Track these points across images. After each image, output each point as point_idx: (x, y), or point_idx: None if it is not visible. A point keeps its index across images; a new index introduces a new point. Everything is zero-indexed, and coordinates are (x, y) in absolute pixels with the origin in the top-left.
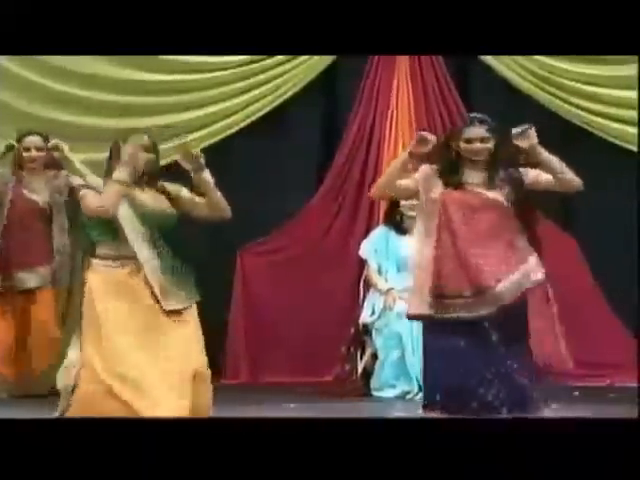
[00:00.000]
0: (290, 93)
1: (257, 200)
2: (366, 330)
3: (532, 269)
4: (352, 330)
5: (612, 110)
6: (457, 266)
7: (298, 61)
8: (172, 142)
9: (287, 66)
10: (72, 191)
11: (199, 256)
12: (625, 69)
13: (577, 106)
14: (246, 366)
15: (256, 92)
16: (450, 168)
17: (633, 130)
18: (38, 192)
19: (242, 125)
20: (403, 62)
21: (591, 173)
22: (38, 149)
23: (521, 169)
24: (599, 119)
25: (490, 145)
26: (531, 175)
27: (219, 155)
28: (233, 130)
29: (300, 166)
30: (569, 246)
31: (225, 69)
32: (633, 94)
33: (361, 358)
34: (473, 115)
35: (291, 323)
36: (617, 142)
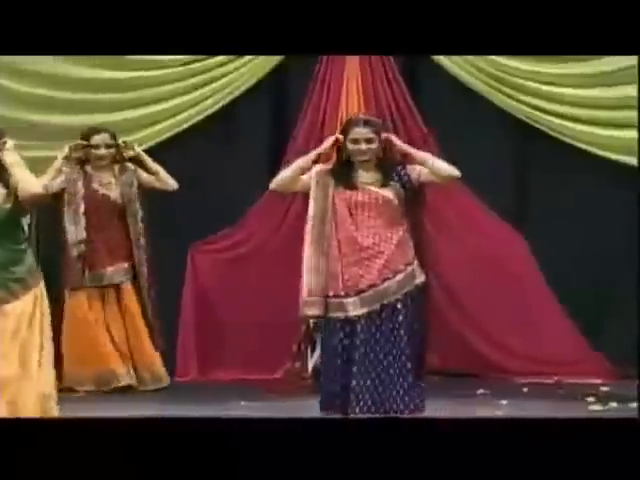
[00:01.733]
0: (238, 92)
1: (207, 198)
2: (317, 328)
3: (417, 270)
4: (303, 328)
5: (567, 109)
6: (346, 266)
7: (246, 59)
8: (122, 139)
9: (235, 64)
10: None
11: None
12: (582, 67)
13: (530, 105)
14: (196, 364)
15: (205, 90)
16: (342, 168)
17: (589, 129)
18: (109, 188)
19: (191, 123)
20: (353, 62)
21: (543, 173)
22: (108, 146)
23: (408, 166)
24: (553, 118)
25: (375, 146)
26: (415, 172)
27: (169, 152)
28: (182, 128)
29: (250, 165)
30: (520, 246)
31: (174, 67)
32: (589, 92)
33: (311, 355)
34: (360, 116)
35: (242, 321)
36: (572, 142)
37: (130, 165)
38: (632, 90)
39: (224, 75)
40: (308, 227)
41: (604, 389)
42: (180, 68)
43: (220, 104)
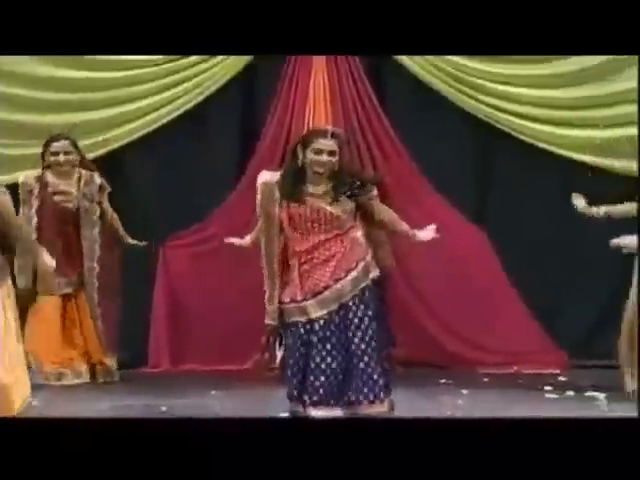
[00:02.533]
0: (209, 92)
1: (178, 195)
2: (275, 331)
3: (371, 265)
4: None
5: (526, 109)
6: (301, 273)
7: (216, 60)
8: (93, 138)
9: (206, 64)
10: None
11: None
12: (540, 68)
13: (489, 105)
14: (168, 355)
15: (176, 90)
16: (291, 179)
17: (548, 129)
18: (67, 196)
19: (163, 122)
20: (320, 62)
21: (504, 171)
22: (66, 153)
23: (360, 185)
24: (512, 118)
25: (336, 159)
26: (366, 195)
27: (141, 151)
28: (154, 127)
29: (220, 162)
30: (479, 237)
31: (146, 67)
32: (547, 93)
33: (279, 347)
34: (327, 127)
35: (212, 313)
36: (532, 141)
37: (97, 178)
38: (587, 90)
39: (195, 75)
40: (261, 238)
41: (561, 379)
42: (152, 68)
43: (191, 104)
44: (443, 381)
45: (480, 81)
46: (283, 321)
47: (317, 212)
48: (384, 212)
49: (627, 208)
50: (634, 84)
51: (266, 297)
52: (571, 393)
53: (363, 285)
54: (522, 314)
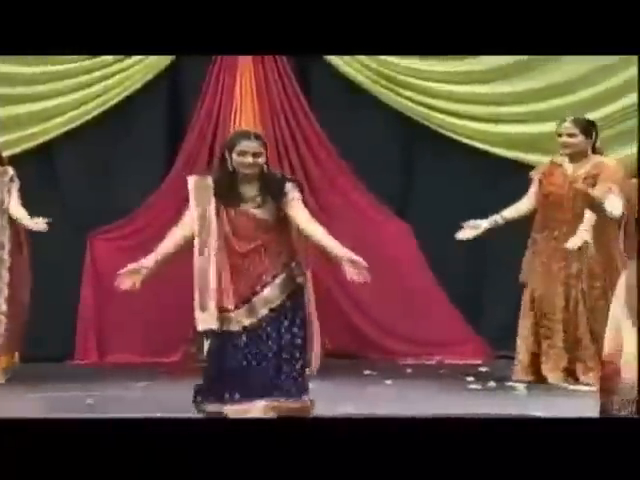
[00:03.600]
0: (135, 88)
1: (104, 189)
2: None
3: (296, 270)
4: None
5: (450, 105)
6: (231, 279)
7: (138, 58)
8: (16, 133)
9: (132, 60)
10: None
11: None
12: (465, 65)
13: (415, 102)
14: (96, 347)
15: (102, 85)
16: (223, 181)
17: (470, 124)
18: None
19: (89, 117)
20: (246, 61)
21: (427, 164)
22: None
23: (287, 186)
24: (439, 115)
25: (262, 160)
26: (289, 195)
27: (67, 145)
28: (80, 122)
29: (146, 158)
30: (403, 230)
31: (71, 62)
32: (473, 89)
33: (207, 339)
34: (249, 130)
35: (140, 306)
36: (455, 136)
37: (10, 170)
38: (510, 87)
39: (122, 70)
40: (195, 242)
41: (483, 369)
42: (77, 64)
43: (114, 101)
44: (367, 372)
45: (408, 79)
46: (211, 329)
47: (247, 216)
48: (303, 219)
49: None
50: (557, 80)
51: (197, 303)
52: (493, 384)
53: (290, 289)
54: (444, 305)
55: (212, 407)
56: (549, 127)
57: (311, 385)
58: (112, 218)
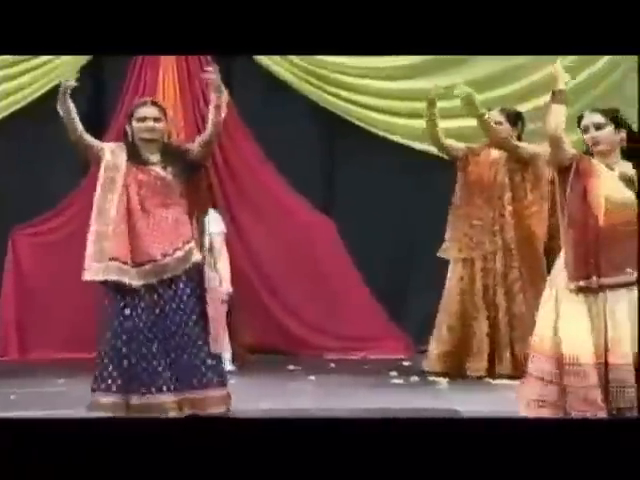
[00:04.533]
0: (50, 86)
1: (28, 184)
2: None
3: (194, 249)
4: None
5: (373, 101)
6: (130, 238)
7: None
8: None
9: (42, 59)
10: None
11: None
12: (387, 61)
13: (340, 97)
14: (17, 344)
15: (14, 83)
16: (132, 147)
17: (391, 119)
18: None
19: (13, 110)
20: (169, 61)
21: (351, 162)
22: None
23: (188, 147)
24: (357, 109)
25: (161, 125)
26: (192, 154)
27: None
28: (4, 114)
29: (70, 153)
30: (325, 222)
31: None
32: (392, 85)
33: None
34: (146, 98)
35: (62, 301)
36: (377, 131)
37: None
38: (421, 83)
39: (45, 63)
40: (96, 195)
41: (406, 364)
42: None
43: (42, 91)
44: (291, 367)
45: (333, 75)
46: (104, 279)
47: (150, 175)
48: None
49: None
50: (477, 76)
51: (89, 254)
52: (416, 378)
53: (185, 267)
54: (368, 300)
55: (112, 399)
56: (470, 122)
57: (233, 381)
58: (36, 212)
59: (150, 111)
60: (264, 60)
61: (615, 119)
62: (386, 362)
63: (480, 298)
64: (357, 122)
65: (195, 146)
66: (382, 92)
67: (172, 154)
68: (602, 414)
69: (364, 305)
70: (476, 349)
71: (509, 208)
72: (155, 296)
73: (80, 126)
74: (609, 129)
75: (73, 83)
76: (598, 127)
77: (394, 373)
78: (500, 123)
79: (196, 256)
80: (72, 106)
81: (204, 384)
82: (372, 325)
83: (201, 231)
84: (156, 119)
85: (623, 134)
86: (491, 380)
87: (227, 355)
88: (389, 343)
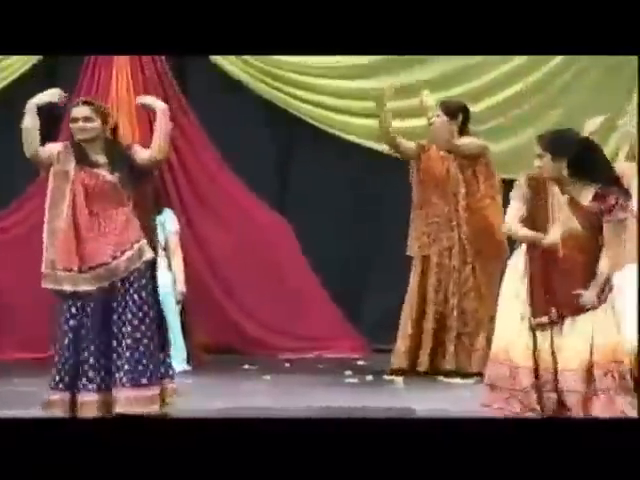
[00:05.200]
0: (12, 78)
1: None
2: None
3: (145, 248)
4: None
5: (328, 100)
6: (80, 243)
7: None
8: None
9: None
10: None
11: None
12: (345, 60)
13: (295, 97)
14: None
15: None
16: (77, 149)
17: (345, 119)
18: None
19: None
20: (123, 61)
21: (303, 158)
22: None
23: (133, 148)
24: (313, 108)
25: (94, 125)
26: (137, 155)
27: None
28: None
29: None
30: (280, 223)
31: None
32: (349, 84)
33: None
34: (80, 98)
35: (17, 301)
36: (331, 130)
37: None
38: (377, 82)
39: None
40: (47, 203)
41: (360, 363)
42: None
43: None
44: (246, 367)
45: (283, 72)
46: (54, 289)
47: (97, 178)
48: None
49: None
50: (427, 76)
51: (45, 262)
52: (370, 377)
53: (135, 267)
54: (323, 300)
55: (58, 396)
56: (422, 121)
57: (189, 380)
58: None
59: (80, 111)
60: (219, 60)
61: (553, 148)
62: (341, 361)
63: (432, 293)
64: (313, 122)
65: (145, 157)
66: (338, 92)
67: (119, 155)
68: (534, 415)
69: (319, 305)
70: (425, 344)
71: (462, 203)
72: (106, 296)
73: (37, 143)
74: (547, 159)
75: (42, 100)
76: (539, 156)
77: (349, 372)
78: (437, 116)
79: (147, 254)
80: (37, 124)
81: (153, 381)
82: (327, 325)
83: (153, 230)
84: (87, 118)
85: (563, 163)
86: (446, 379)
87: (182, 355)
88: (344, 343)
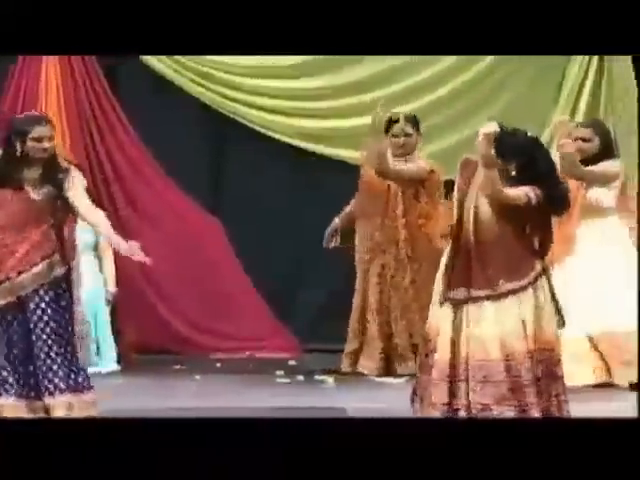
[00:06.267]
0: None
1: None
2: None
3: (56, 263)
4: None
5: (265, 101)
6: None
7: None
8: None
9: None
10: None
11: None
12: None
13: (229, 98)
14: None
15: None
16: (8, 166)
17: (281, 119)
18: None
19: None
20: (52, 62)
21: (237, 159)
22: None
23: (70, 176)
24: (245, 108)
25: (53, 143)
26: (68, 182)
27: None
28: None
29: None
30: (212, 223)
31: None
32: (289, 84)
33: None
34: (41, 115)
35: None
36: (267, 132)
37: None
38: (308, 82)
39: None
40: None
41: (291, 363)
42: None
43: None
44: (177, 367)
45: (214, 72)
46: None
47: (19, 195)
48: (83, 205)
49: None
50: (357, 77)
51: None
52: (301, 377)
53: (45, 281)
54: (254, 300)
55: None
56: (363, 121)
57: (119, 380)
58: None
59: (45, 130)
60: (150, 60)
61: (502, 148)
62: (272, 362)
63: (376, 301)
64: (244, 122)
65: (81, 204)
66: (270, 91)
67: (53, 174)
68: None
69: (251, 305)
70: (368, 348)
71: (402, 220)
72: (13, 311)
73: None
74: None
75: None
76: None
77: (280, 372)
78: (410, 135)
79: (57, 270)
80: None
81: (51, 391)
82: (259, 325)
83: (72, 243)
84: (50, 138)
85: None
86: (377, 378)
87: (112, 355)
88: (276, 343)
